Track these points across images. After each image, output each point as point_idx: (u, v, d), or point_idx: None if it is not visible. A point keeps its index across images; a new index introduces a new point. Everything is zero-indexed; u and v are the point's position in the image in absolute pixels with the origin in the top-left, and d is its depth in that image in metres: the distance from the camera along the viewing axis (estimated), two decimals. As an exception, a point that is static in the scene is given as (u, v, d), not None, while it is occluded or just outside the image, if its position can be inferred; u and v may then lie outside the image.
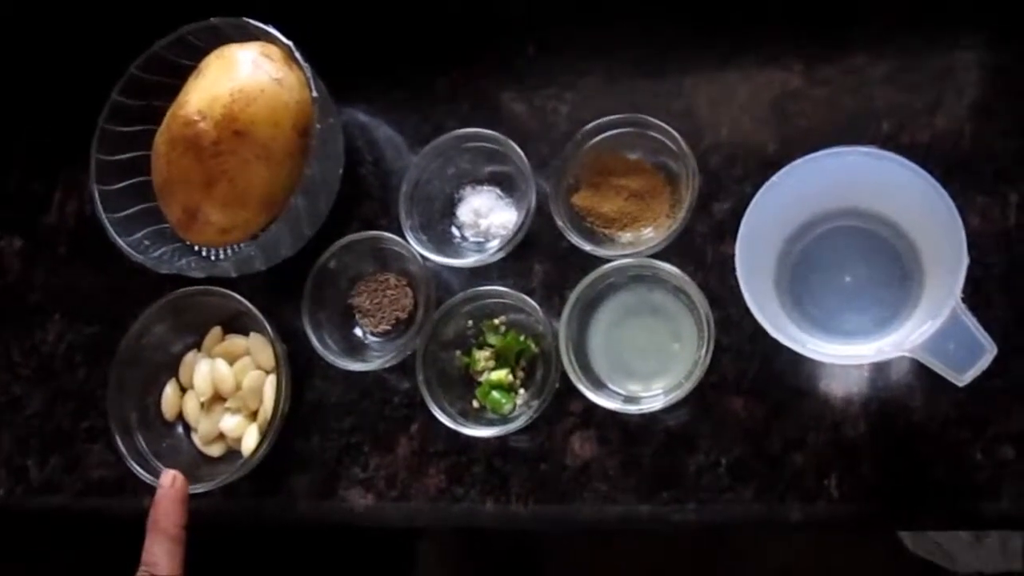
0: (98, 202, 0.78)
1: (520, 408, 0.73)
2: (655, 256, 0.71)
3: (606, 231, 0.75)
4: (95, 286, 0.88)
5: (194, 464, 0.79)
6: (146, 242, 0.79)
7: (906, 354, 0.59)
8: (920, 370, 0.65)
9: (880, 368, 0.68)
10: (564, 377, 0.70)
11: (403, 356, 0.75)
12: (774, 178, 0.63)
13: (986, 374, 0.59)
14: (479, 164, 0.78)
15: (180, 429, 0.81)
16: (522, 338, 0.74)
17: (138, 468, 0.76)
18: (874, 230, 0.67)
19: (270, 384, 0.77)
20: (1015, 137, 0.70)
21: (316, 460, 0.78)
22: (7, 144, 0.95)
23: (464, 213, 0.78)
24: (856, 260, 0.68)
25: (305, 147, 0.74)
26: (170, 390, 0.81)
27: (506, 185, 0.78)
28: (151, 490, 0.70)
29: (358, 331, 0.79)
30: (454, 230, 0.79)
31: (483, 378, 0.74)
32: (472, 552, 1.44)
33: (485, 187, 0.79)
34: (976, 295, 0.66)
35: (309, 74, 0.74)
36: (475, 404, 0.74)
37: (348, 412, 0.78)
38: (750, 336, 0.70)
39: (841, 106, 0.74)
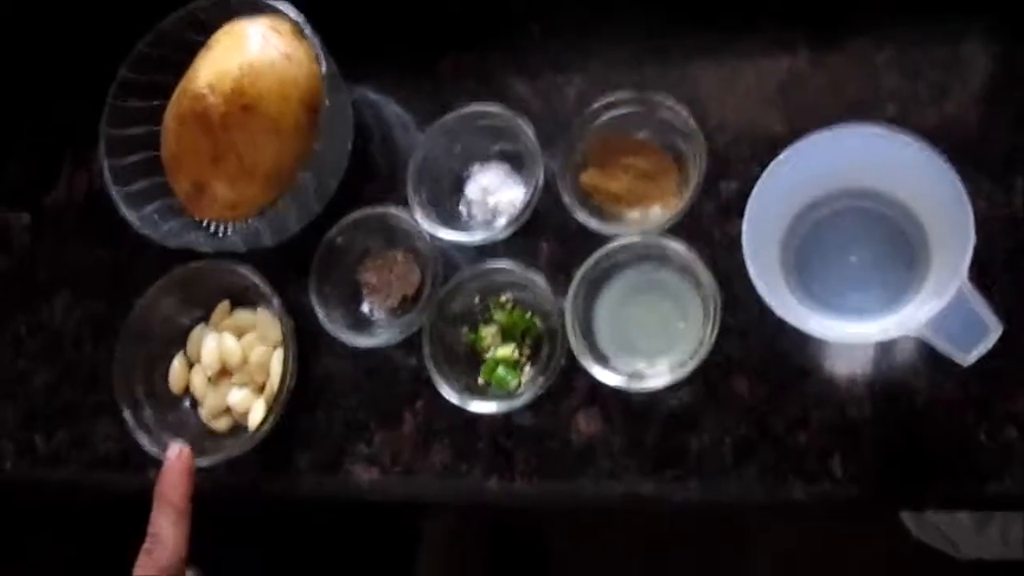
0: (108, 176, 0.79)
1: (525, 385, 0.74)
2: (662, 235, 0.71)
3: (613, 210, 0.75)
4: (103, 261, 0.88)
5: (200, 438, 0.79)
6: (155, 216, 0.79)
7: (911, 333, 0.59)
8: (925, 351, 0.66)
9: (885, 349, 0.68)
10: (569, 355, 0.71)
11: (409, 332, 0.75)
12: (782, 155, 0.63)
13: (990, 355, 0.59)
14: (487, 142, 0.79)
15: (187, 403, 0.81)
16: (528, 315, 0.75)
17: (145, 441, 0.77)
18: (881, 211, 0.67)
19: (277, 359, 0.78)
20: (1023, 123, 0.70)
21: (322, 435, 0.78)
22: (15, 120, 0.96)
23: (472, 190, 0.78)
24: (862, 241, 0.68)
25: (314, 123, 0.74)
26: (177, 364, 0.81)
27: (514, 163, 0.78)
28: (158, 463, 0.70)
29: (365, 307, 0.79)
30: (462, 207, 0.79)
31: (489, 355, 0.75)
32: (478, 531, 1.45)
33: (493, 165, 0.79)
34: (981, 278, 0.65)
35: (318, 49, 0.74)
36: (480, 381, 0.75)
37: (354, 388, 0.78)
38: (755, 316, 0.70)
39: (846, 90, 0.74)
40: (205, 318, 0.82)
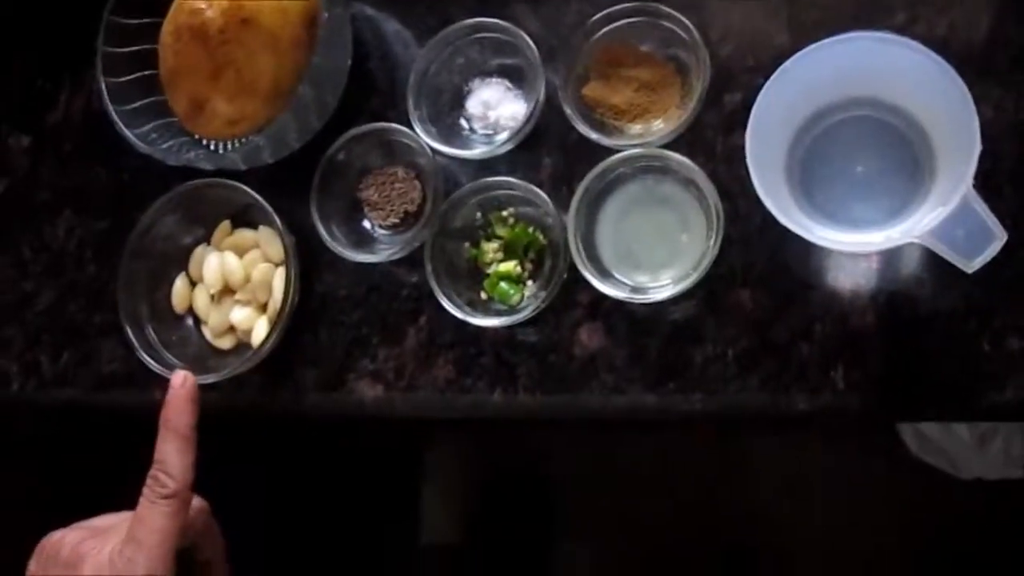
0: (105, 94, 0.78)
1: (528, 299, 0.74)
2: (665, 147, 0.71)
3: (616, 122, 0.74)
4: (103, 182, 0.88)
5: (204, 356, 0.80)
6: (154, 135, 0.79)
7: (915, 240, 0.59)
8: (929, 261, 0.66)
9: (889, 260, 0.68)
10: (572, 268, 0.71)
11: (411, 248, 0.75)
12: (786, 64, 0.62)
13: (994, 263, 0.59)
14: (488, 56, 0.78)
15: (190, 322, 0.81)
16: (530, 229, 0.74)
17: (150, 360, 0.77)
18: (886, 119, 0.66)
19: (279, 276, 0.78)
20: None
21: (325, 352, 0.78)
22: (11, 42, 0.95)
23: (473, 105, 0.78)
24: (867, 150, 0.67)
25: (313, 37, 0.73)
26: (180, 283, 0.81)
27: (515, 77, 0.78)
28: (163, 382, 0.70)
29: (366, 224, 0.79)
30: (463, 122, 0.78)
31: (491, 270, 0.75)
32: (478, 457, 1.46)
33: (494, 79, 0.78)
34: (987, 186, 0.65)
35: (316, -39, 0.73)
36: (483, 295, 0.75)
37: (357, 304, 0.78)
38: (758, 227, 0.70)
39: (852, -2, 0.73)
40: (207, 237, 0.82)
